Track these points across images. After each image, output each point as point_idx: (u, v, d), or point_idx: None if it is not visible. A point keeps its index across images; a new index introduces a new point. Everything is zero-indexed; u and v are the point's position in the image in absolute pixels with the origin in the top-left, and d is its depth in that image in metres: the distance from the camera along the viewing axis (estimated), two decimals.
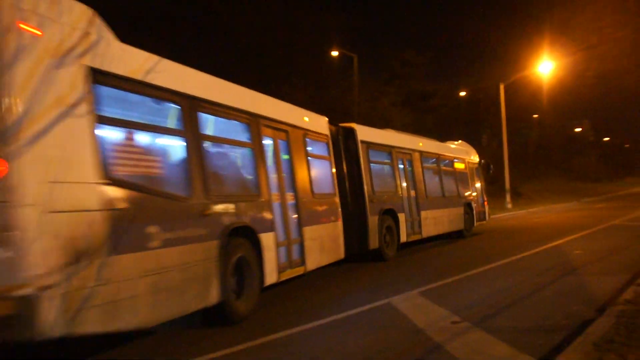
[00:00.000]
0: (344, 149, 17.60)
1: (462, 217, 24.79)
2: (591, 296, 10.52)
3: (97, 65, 8.31)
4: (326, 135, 15.48)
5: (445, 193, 23.46)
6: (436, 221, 22.22)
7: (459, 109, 66.53)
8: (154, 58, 9.42)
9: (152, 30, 43.17)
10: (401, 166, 20.52)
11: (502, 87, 45.06)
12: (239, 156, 11.73)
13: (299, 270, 12.59)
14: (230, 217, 10.38)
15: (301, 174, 13.37)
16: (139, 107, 9.41)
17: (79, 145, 7.86)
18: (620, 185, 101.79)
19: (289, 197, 12.72)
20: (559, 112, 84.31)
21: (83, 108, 8.00)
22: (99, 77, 8.28)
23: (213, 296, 9.69)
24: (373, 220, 17.84)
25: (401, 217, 19.44)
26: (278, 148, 12.64)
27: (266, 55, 46.09)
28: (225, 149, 11.35)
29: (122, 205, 8.21)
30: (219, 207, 10.13)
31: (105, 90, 8.40)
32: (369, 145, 18.44)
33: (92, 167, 7.93)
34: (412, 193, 20.84)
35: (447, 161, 24.54)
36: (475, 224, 26.19)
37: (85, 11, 8.39)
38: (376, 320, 9.72)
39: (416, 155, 21.60)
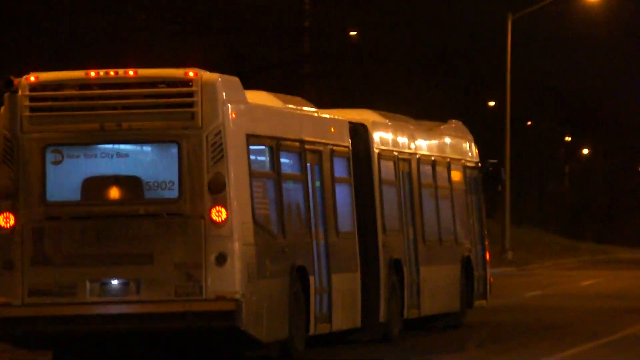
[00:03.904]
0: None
1: (458, 286, 18.61)
2: None
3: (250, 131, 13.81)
4: (348, 147, 16.48)
5: (441, 234, 18.43)
6: (433, 288, 17.83)
7: None
8: None
9: None
10: (403, 185, 17.43)
11: None
12: None
13: None
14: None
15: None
16: None
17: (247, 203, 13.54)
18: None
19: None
20: None
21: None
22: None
23: None
24: (384, 276, 16.09)
25: (406, 272, 16.83)
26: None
27: None
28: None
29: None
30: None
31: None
32: (382, 154, 16.35)
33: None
34: (410, 233, 17.38)
35: (443, 169, 18.89)
36: (475, 302, 19.27)
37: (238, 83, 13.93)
38: None
39: (414, 164, 17.81)
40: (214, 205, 12.94)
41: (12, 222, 13.08)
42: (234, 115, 13.32)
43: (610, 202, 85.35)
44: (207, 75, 13.33)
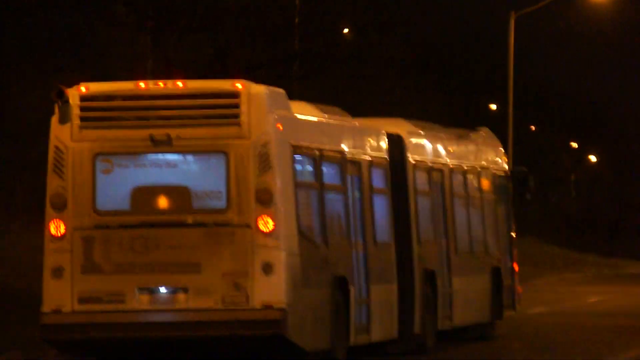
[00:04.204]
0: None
1: (489, 297, 18.46)
2: None
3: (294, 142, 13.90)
4: (386, 158, 16.57)
5: (472, 245, 18.35)
6: (465, 299, 17.63)
7: None
8: None
9: None
10: (436, 195, 17.36)
11: None
12: None
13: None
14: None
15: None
16: None
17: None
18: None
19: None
20: None
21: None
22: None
23: None
24: (419, 287, 16.06)
25: (439, 284, 16.72)
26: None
27: None
28: None
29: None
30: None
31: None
32: (416, 164, 16.38)
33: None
34: (443, 244, 17.33)
35: (474, 179, 18.78)
36: (504, 312, 19.13)
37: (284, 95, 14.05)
38: None
39: (447, 173, 17.73)
40: (261, 215, 12.84)
41: (62, 230, 12.94)
42: (280, 127, 13.27)
43: (618, 213, 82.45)
44: (254, 87, 13.30)
